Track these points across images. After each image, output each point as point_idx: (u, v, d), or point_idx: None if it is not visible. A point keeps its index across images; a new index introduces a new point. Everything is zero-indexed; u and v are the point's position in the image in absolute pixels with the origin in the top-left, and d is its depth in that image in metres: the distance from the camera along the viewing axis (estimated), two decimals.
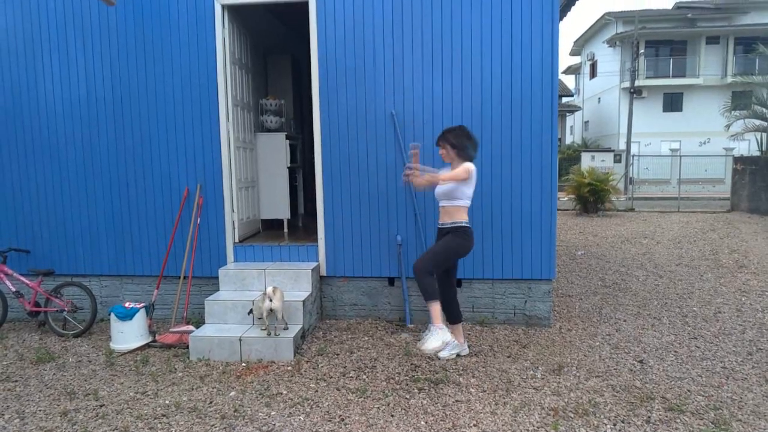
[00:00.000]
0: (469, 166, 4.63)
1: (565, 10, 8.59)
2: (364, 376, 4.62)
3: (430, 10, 5.66)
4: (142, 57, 6.04)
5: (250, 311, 5.34)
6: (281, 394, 4.29)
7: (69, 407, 4.15)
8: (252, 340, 5.03)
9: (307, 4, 5.82)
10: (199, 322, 5.72)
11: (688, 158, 23.20)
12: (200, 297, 6.02)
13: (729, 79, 30.77)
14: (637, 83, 29.99)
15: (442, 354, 4.84)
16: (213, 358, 5.06)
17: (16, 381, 4.72)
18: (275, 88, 8.08)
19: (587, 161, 26.40)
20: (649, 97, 32.28)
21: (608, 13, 33.53)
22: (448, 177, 4.64)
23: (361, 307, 6.17)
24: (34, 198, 6.35)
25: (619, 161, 27.76)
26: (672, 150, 28.12)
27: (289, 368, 4.80)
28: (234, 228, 6.18)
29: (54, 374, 4.85)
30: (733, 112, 21.40)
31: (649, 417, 3.85)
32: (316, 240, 6.13)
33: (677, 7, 33.13)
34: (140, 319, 5.50)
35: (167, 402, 4.20)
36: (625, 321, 6.06)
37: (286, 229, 7.04)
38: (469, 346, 5.25)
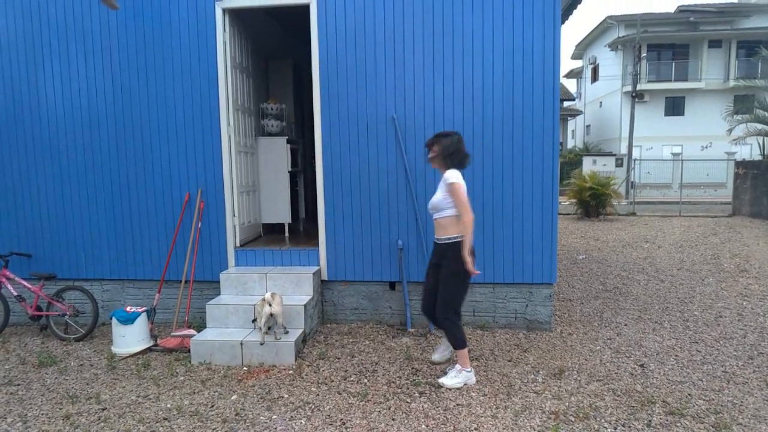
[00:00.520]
0: (456, 175, 4.38)
1: (566, 13, 8.62)
2: (365, 380, 4.62)
3: (432, 14, 5.67)
4: (142, 61, 6.06)
5: (254, 320, 5.35)
6: (282, 398, 4.30)
7: (71, 411, 4.16)
8: (253, 344, 5.04)
9: (308, 8, 5.84)
10: (201, 327, 5.74)
11: (689, 162, 23.21)
12: (201, 301, 6.04)
13: (731, 83, 30.70)
14: (638, 87, 29.97)
15: (450, 383, 4.50)
16: (214, 362, 5.07)
17: (19, 385, 4.73)
18: (276, 92, 8.09)
19: (589, 165, 26.41)
20: (650, 101, 32.25)
21: (610, 17, 33.54)
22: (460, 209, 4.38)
23: (362, 311, 6.17)
24: (35, 202, 6.37)
25: (621, 165, 27.75)
26: (674, 154, 28.15)
27: (291, 372, 4.81)
28: (235, 232, 6.19)
29: (56, 378, 4.86)
30: (735, 116, 21.36)
31: (650, 421, 3.85)
32: (317, 244, 6.14)
33: (679, 10, 33.11)
34: (142, 323, 5.51)
35: (169, 406, 4.20)
36: (626, 325, 6.06)
37: (287, 234, 7.05)
38: (469, 351, 5.25)
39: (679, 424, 3.79)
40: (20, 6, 6.14)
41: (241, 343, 5.05)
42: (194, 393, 4.43)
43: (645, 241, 12.27)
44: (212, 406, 4.18)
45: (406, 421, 3.89)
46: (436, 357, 4.97)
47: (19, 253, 6.27)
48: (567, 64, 70.10)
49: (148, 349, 5.46)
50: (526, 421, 3.88)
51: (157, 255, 6.26)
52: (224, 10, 5.92)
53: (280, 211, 7.01)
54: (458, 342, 4.51)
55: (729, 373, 4.71)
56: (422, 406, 4.11)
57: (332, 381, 4.61)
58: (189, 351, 5.19)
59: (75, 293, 6.08)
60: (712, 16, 32.37)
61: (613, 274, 8.76)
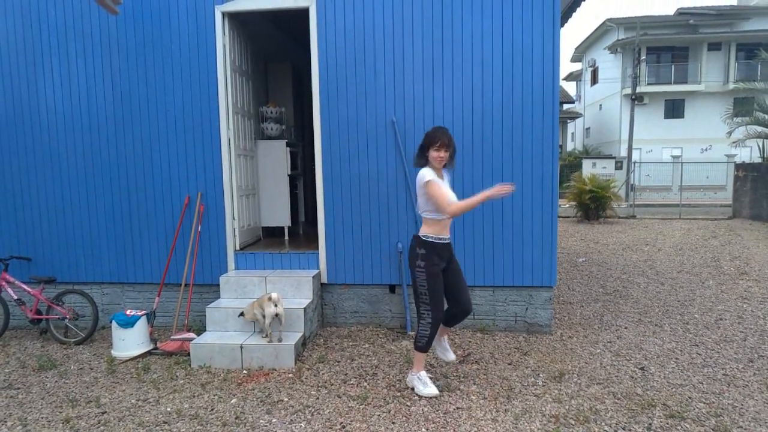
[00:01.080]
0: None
1: (566, 16, 8.64)
2: (365, 384, 4.62)
3: (431, 17, 5.68)
4: (142, 64, 6.07)
5: (241, 314, 5.33)
6: (282, 401, 4.30)
7: (71, 414, 4.16)
8: (253, 348, 5.04)
9: (307, 11, 5.85)
10: (200, 330, 5.74)
11: (689, 165, 23.22)
12: (201, 304, 6.04)
13: (731, 86, 30.74)
14: (638, 90, 30.00)
15: (419, 390, 4.40)
16: (214, 366, 5.06)
17: (19, 388, 4.73)
18: (276, 95, 8.10)
19: (588, 168, 26.39)
20: (650, 103, 32.27)
21: (609, 20, 33.57)
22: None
23: (362, 314, 6.17)
24: (35, 206, 6.37)
25: (621, 168, 27.74)
26: (673, 157, 28.17)
27: (290, 375, 4.81)
28: (235, 235, 6.19)
29: (56, 381, 4.86)
30: (734, 118, 21.36)
31: (650, 424, 3.84)
32: (316, 247, 6.14)
33: (679, 13, 33.16)
34: (141, 326, 5.51)
35: (169, 409, 4.20)
36: (626, 328, 6.05)
37: (286, 237, 7.05)
38: (470, 354, 5.26)
39: (679, 428, 3.79)
40: (20, 8, 6.15)
41: (241, 347, 5.05)
42: (194, 396, 4.43)
43: (645, 244, 12.28)
44: (212, 410, 4.17)
45: (406, 425, 3.89)
46: (451, 356, 4.77)
47: (19, 257, 6.27)
48: (566, 66, 70.37)
49: (148, 353, 5.46)
50: (526, 424, 3.87)
51: (156, 258, 6.26)
52: (224, 14, 5.93)
53: (279, 215, 7.01)
54: (419, 343, 4.42)
55: (729, 376, 4.71)
56: (422, 410, 4.10)
57: (332, 384, 4.61)
58: (189, 354, 5.18)
59: (75, 297, 6.08)
60: (712, 18, 32.42)
61: (613, 276, 8.76)
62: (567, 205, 18.21)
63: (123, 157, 6.19)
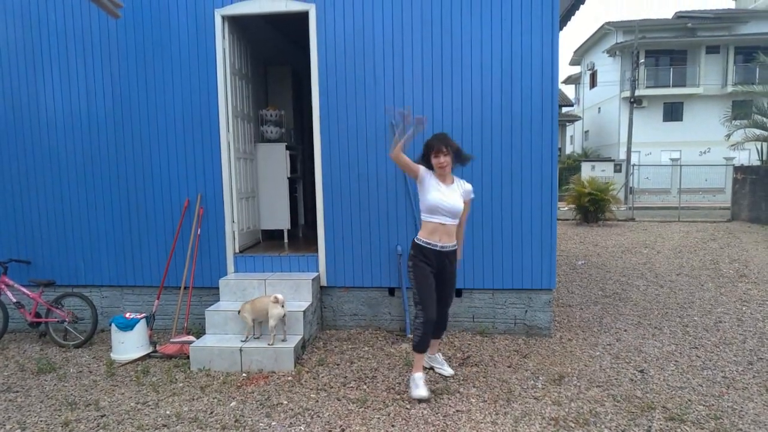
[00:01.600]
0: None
1: (564, 20, 8.65)
2: (365, 387, 4.61)
3: (430, 21, 5.69)
4: (142, 68, 6.07)
5: (239, 311, 5.33)
6: (282, 404, 4.29)
7: (70, 418, 4.15)
8: (252, 351, 5.04)
9: (307, 15, 5.86)
10: (200, 333, 5.73)
11: (688, 168, 23.24)
12: (201, 307, 6.04)
13: (729, 89, 30.82)
14: (637, 93, 30.04)
15: (410, 391, 4.39)
16: (214, 369, 5.06)
17: (18, 392, 4.72)
18: (275, 98, 8.11)
19: (587, 171, 26.44)
20: (649, 106, 32.32)
21: (608, 23, 33.63)
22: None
23: (362, 317, 6.17)
24: (34, 209, 6.37)
25: (620, 171, 27.78)
26: (672, 159, 28.19)
27: (290, 378, 4.80)
28: (234, 238, 6.19)
29: (55, 385, 4.85)
30: (733, 121, 21.43)
31: (650, 427, 3.84)
32: (316, 250, 6.14)
33: (677, 16, 33.24)
34: (141, 329, 5.50)
35: (168, 412, 4.20)
36: (625, 331, 6.06)
37: (286, 240, 7.05)
38: (469, 356, 5.26)
39: (679, 430, 3.79)
40: (20, 12, 6.16)
41: (241, 350, 5.05)
42: (193, 399, 4.43)
43: (644, 247, 12.28)
44: (211, 413, 4.17)
45: (405, 428, 3.89)
46: (447, 370, 4.83)
47: (18, 260, 6.27)
48: (565, 69, 70.46)
49: (147, 356, 5.46)
50: (525, 427, 3.87)
51: (156, 261, 6.25)
52: (223, 17, 5.94)
53: (279, 218, 7.01)
54: (414, 342, 4.50)
55: (729, 378, 4.71)
56: (422, 413, 4.10)
57: (331, 387, 4.61)
58: (188, 357, 5.18)
59: (74, 300, 6.08)
60: (710, 22, 32.48)
61: (612, 279, 8.76)
62: (566, 208, 18.23)
63: (122, 160, 6.20)
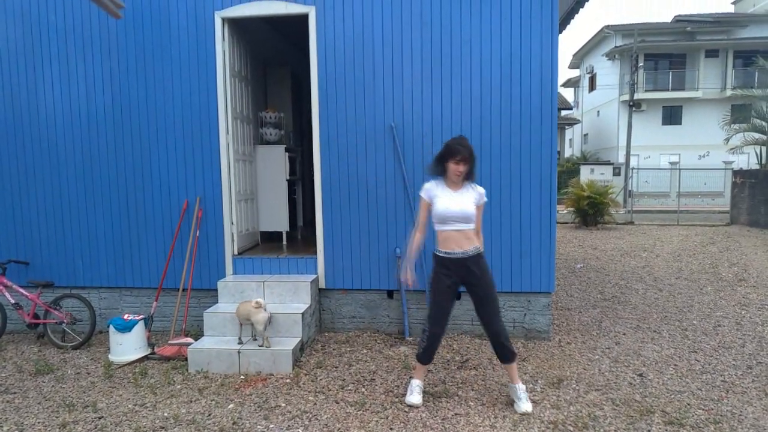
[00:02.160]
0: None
1: (564, 23, 8.65)
2: (363, 389, 4.60)
3: (430, 23, 5.69)
4: (142, 70, 6.07)
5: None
6: (280, 406, 4.28)
7: (68, 419, 4.14)
8: (251, 353, 5.03)
9: (306, 17, 5.86)
10: (198, 335, 5.72)
11: (687, 171, 23.27)
12: (199, 309, 6.03)
13: (728, 93, 30.83)
14: (636, 96, 30.07)
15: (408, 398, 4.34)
16: (211, 371, 5.05)
17: (15, 393, 4.71)
18: (274, 100, 8.11)
19: (586, 174, 26.44)
20: (648, 110, 32.36)
21: (607, 27, 33.68)
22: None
23: (360, 319, 6.16)
24: (33, 210, 6.36)
25: (619, 174, 27.79)
26: (671, 163, 28.18)
27: (288, 381, 4.79)
28: (233, 240, 6.19)
29: (53, 386, 4.84)
30: (732, 125, 21.46)
31: (649, 431, 3.84)
32: (315, 252, 6.13)
33: (676, 20, 33.28)
34: (139, 331, 5.49)
35: (166, 414, 4.19)
36: (624, 334, 6.05)
37: (285, 242, 7.05)
38: (468, 359, 5.25)
39: None
40: (20, 12, 6.16)
41: (239, 352, 5.04)
42: (191, 401, 4.41)
43: (643, 250, 12.29)
44: (209, 415, 4.16)
45: (404, 431, 3.88)
46: (523, 406, 4.18)
47: (16, 261, 6.26)
48: (564, 73, 70.46)
49: (146, 357, 5.45)
50: (524, 430, 3.87)
51: (155, 263, 6.25)
52: (223, 19, 5.94)
53: (278, 220, 7.00)
54: (418, 351, 4.42)
55: (728, 382, 4.70)
56: (420, 416, 4.09)
57: (330, 390, 4.60)
58: (186, 359, 5.16)
59: (72, 301, 6.07)
60: (709, 25, 32.51)
61: (611, 283, 8.76)
62: (565, 211, 18.23)
63: (122, 161, 6.19)
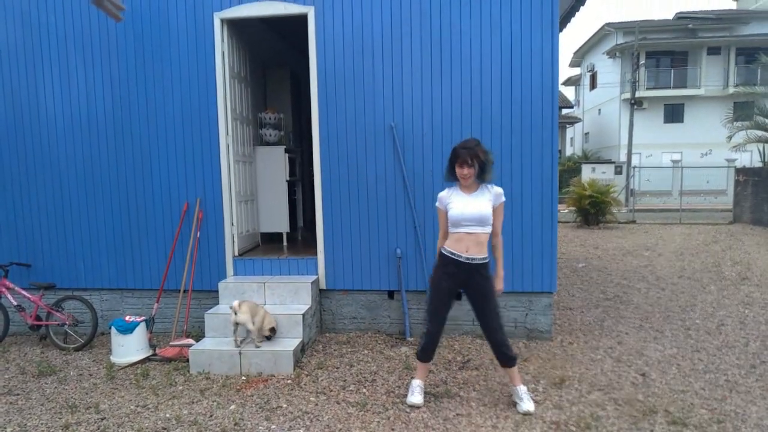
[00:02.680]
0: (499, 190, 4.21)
1: (565, 21, 8.63)
2: (364, 390, 4.60)
3: (429, 23, 5.68)
4: (141, 71, 6.07)
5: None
6: (281, 407, 4.28)
7: (71, 420, 4.15)
8: (252, 354, 5.02)
9: (305, 18, 5.85)
10: (199, 336, 5.72)
11: (689, 170, 23.22)
12: (200, 310, 6.02)
13: (731, 90, 30.79)
14: (637, 94, 30.02)
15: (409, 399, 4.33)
16: (213, 372, 5.05)
17: (18, 394, 4.72)
18: (274, 101, 8.11)
19: (588, 173, 26.43)
20: (649, 108, 32.31)
21: (608, 24, 33.63)
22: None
23: (361, 320, 6.15)
24: (35, 212, 6.37)
25: (620, 173, 27.76)
26: (673, 161, 28.15)
27: (289, 382, 4.79)
28: (233, 241, 6.18)
29: (55, 387, 4.84)
30: (734, 123, 21.37)
31: (652, 430, 3.82)
32: (315, 253, 6.12)
33: (678, 17, 33.23)
34: (140, 332, 5.50)
35: (168, 415, 4.19)
36: (627, 334, 6.04)
37: (285, 243, 7.05)
38: (470, 360, 5.25)
39: None
40: (20, 15, 6.16)
41: (240, 353, 5.03)
42: (193, 403, 4.41)
43: (645, 249, 12.26)
44: (211, 416, 4.16)
45: (405, 431, 3.87)
46: (525, 405, 4.17)
47: (18, 263, 6.27)
48: (565, 71, 70.38)
49: (147, 359, 5.45)
50: (526, 431, 3.86)
51: (156, 264, 6.25)
52: (222, 20, 5.93)
53: (278, 220, 7.00)
54: (418, 349, 4.42)
55: (731, 381, 4.69)
56: (421, 416, 4.09)
57: (331, 391, 4.59)
58: (188, 360, 5.16)
59: (74, 303, 6.07)
60: (711, 23, 32.46)
61: (613, 282, 8.74)
62: (566, 210, 18.20)
63: (122, 163, 6.20)
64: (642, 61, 31.23)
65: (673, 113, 32.70)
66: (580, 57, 40.26)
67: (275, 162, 6.93)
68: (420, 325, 5.92)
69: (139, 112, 6.12)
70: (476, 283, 4.15)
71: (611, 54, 33.56)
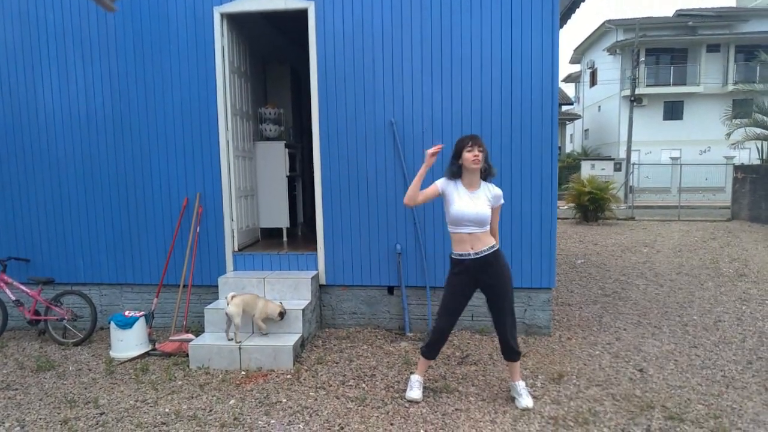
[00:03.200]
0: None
1: (565, 17, 8.63)
2: (364, 385, 4.61)
3: (430, 19, 5.68)
4: (141, 66, 6.06)
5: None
6: (281, 402, 4.29)
7: (69, 415, 4.15)
8: (251, 349, 5.03)
9: (306, 12, 5.85)
10: (199, 331, 5.73)
11: (688, 167, 23.23)
12: (200, 305, 6.03)
13: (730, 87, 30.80)
14: (637, 91, 30.02)
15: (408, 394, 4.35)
16: (212, 367, 5.05)
17: (17, 389, 4.72)
18: (274, 96, 8.10)
19: (587, 169, 26.45)
20: (649, 105, 32.32)
21: (608, 21, 33.62)
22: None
23: (361, 315, 6.17)
24: (34, 207, 6.36)
25: (619, 170, 27.78)
26: (672, 158, 28.16)
27: (289, 377, 4.80)
28: (233, 237, 6.19)
29: (54, 382, 4.85)
30: (733, 120, 21.38)
31: (649, 426, 3.84)
32: (315, 249, 6.13)
33: (678, 14, 33.20)
34: (140, 327, 5.50)
35: (167, 410, 4.19)
36: (625, 330, 6.05)
37: (285, 238, 7.05)
38: (468, 355, 5.26)
39: (678, 429, 3.79)
40: (18, 11, 6.15)
41: (240, 348, 5.04)
42: (192, 397, 4.42)
43: (644, 246, 12.28)
44: (210, 411, 4.17)
45: (404, 426, 3.88)
46: (524, 401, 4.20)
47: (17, 258, 6.27)
48: (565, 68, 70.39)
49: (147, 354, 5.46)
50: (525, 426, 3.87)
51: (155, 260, 6.25)
52: (222, 15, 5.93)
53: (278, 216, 7.01)
54: (424, 345, 4.43)
55: (728, 377, 4.71)
56: (420, 411, 4.10)
57: (330, 386, 4.60)
58: (187, 355, 5.17)
59: (73, 298, 6.07)
60: (711, 20, 32.47)
61: (611, 278, 8.76)
62: (565, 207, 18.22)
63: (121, 158, 6.19)
64: (642, 58, 31.24)
65: (673, 110, 32.72)
66: (580, 54, 40.25)
67: (275, 157, 6.93)
68: (419, 320, 5.94)
69: (138, 107, 6.12)
70: (489, 274, 4.12)
71: (611, 51, 33.55)
